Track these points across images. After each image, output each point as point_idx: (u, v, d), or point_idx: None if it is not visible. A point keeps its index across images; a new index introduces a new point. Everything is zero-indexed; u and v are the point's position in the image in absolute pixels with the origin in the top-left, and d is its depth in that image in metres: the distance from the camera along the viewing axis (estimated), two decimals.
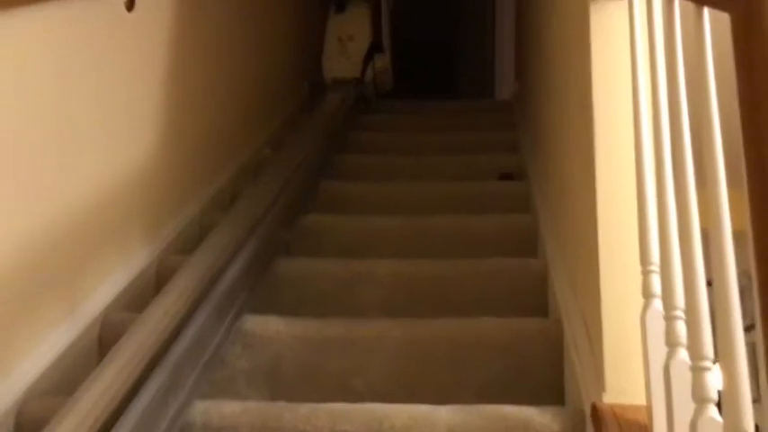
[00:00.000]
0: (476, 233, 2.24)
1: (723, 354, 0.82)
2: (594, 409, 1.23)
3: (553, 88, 2.09)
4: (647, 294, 1.15)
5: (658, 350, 1.08)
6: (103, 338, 1.60)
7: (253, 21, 2.91)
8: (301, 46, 3.78)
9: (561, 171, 1.88)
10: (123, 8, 1.71)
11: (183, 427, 1.34)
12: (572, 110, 1.65)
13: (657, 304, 1.12)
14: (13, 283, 1.38)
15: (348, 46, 3.81)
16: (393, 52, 4.16)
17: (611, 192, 1.35)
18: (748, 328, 0.97)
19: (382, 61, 3.93)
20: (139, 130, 1.90)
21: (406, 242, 2.21)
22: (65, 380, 1.45)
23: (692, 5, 0.91)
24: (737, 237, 0.86)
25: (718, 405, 0.89)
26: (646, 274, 1.15)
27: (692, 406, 0.92)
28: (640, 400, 1.15)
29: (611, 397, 1.23)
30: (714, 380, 0.92)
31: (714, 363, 0.90)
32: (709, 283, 0.91)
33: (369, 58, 3.84)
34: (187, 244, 2.04)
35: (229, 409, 1.38)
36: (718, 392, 0.89)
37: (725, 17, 0.79)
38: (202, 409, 1.38)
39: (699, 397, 0.91)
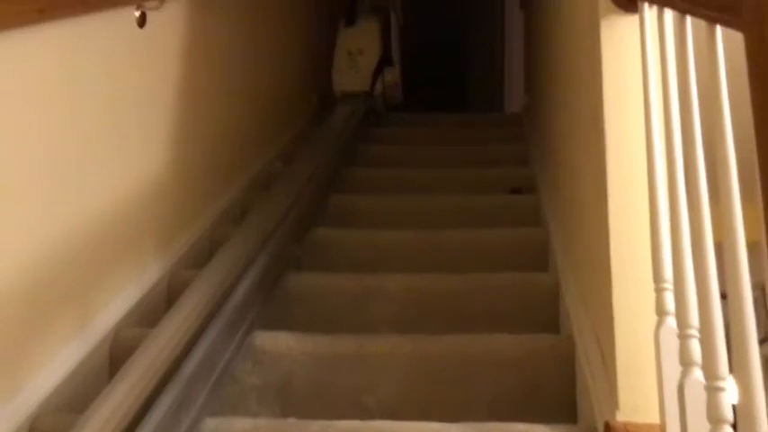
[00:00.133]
0: (486, 247, 2.23)
1: (738, 367, 0.82)
2: (608, 427, 1.22)
3: (563, 102, 2.09)
4: (660, 312, 1.14)
5: (672, 368, 1.07)
6: (115, 354, 1.60)
7: (263, 34, 2.93)
8: (311, 59, 3.79)
9: (572, 185, 1.87)
10: (135, 25, 1.73)
11: None
12: (583, 124, 1.65)
13: (671, 322, 1.11)
14: (26, 298, 1.38)
15: (358, 59, 3.81)
16: (402, 65, 4.17)
17: (623, 207, 1.34)
18: (762, 341, 0.96)
19: (392, 75, 3.93)
20: (151, 145, 1.90)
21: (416, 256, 2.21)
22: (76, 396, 1.45)
23: (704, 23, 0.91)
24: (749, 248, 0.86)
25: (734, 426, 0.88)
26: (659, 291, 1.14)
27: (706, 426, 0.91)
28: (654, 418, 1.14)
29: (624, 415, 1.22)
30: (729, 398, 0.91)
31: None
32: (722, 296, 0.91)
33: (378, 71, 3.85)
34: (198, 258, 2.05)
35: (240, 425, 1.38)
36: (734, 407, 0.89)
37: (737, 34, 0.79)
38: (213, 426, 1.37)
39: (714, 417, 0.90)
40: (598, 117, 1.40)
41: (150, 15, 1.76)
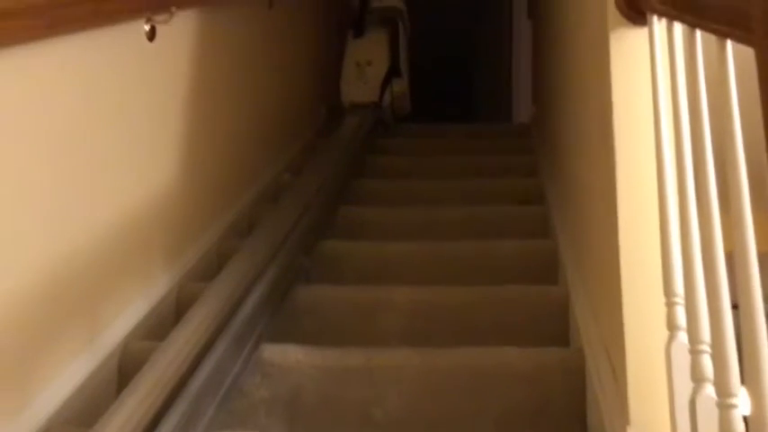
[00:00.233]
0: (495, 259, 2.23)
1: (750, 378, 0.81)
2: None
3: (572, 114, 2.08)
4: (671, 326, 1.13)
5: (684, 384, 1.06)
6: (123, 368, 1.60)
7: (272, 46, 2.93)
8: (320, 71, 3.80)
9: (581, 197, 1.87)
10: (145, 38, 1.73)
11: None
12: (592, 136, 1.64)
13: (682, 337, 1.10)
14: (35, 312, 1.38)
15: (366, 70, 3.82)
16: (410, 76, 4.17)
17: (633, 219, 1.33)
18: None
19: (400, 86, 3.94)
20: (160, 157, 1.91)
21: (425, 268, 2.20)
22: (85, 409, 1.45)
23: (714, 37, 0.91)
24: (760, 258, 0.86)
25: None
26: (670, 305, 1.14)
27: None
28: None
29: (635, 430, 1.21)
30: (741, 415, 0.90)
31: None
32: (734, 306, 0.90)
33: (387, 82, 3.85)
34: (207, 271, 2.05)
35: None
36: (745, 418, 0.88)
37: (748, 48, 0.78)
38: None
39: None
40: (607, 129, 1.39)
41: (160, 29, 1.76)
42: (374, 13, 3.94)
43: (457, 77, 6.22)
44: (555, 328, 1.85)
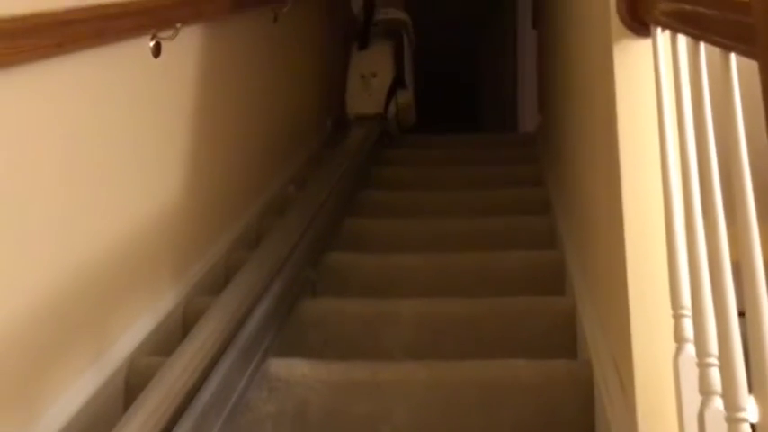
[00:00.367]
0: (502, 270, 2.22)
1: (757, 387, 0.81)
2: None
3: (577, 124, 2.08)
4: (679, 339, 1.12)
5: (692, 397, 1.05)
6: (130, 383, 1.60)
7: (278, 59, 2.95)
8: (325, 83, 3.81)
9: (587, 208, 1.86)
10: (150, 55, 1.74)
11: None
12: (597, 147, 1.64)
13: (690, 349, 1.09)
14: (43, 328, 1.39)
15: (371, 82, 3.83)
16: (415, 88, 4.18)
17: (640, 230, 1.33)
18: None
19: (405, 97, 3.95)
20: (167, 172, 1.92)
21: (431, 280, 2.20)
22: (92, 426, 1.46)
23: (718, 50, 0.91)
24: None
25: None
26: (677, 317, 1.13)
27: None
28: None
29: None
30: (749, 428, 0.90)
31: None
32: (741, 314, 0.90)
33: (391, 93, 3.86)
34: (214, 284, 2.05)
35: None
36: (753, 427, 0.87)
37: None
38: None
39: None
40: (612, 140, 1.39)
41: (165, 45, 1.77)
42: (379, 25, 3.95)
43: (462, 87, 6.23)
44: (563, 339, 1.84)
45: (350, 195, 2.83)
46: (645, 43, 1.33)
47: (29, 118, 1.33)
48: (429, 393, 1.59)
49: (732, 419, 0.89)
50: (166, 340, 1.76)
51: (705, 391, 1.01)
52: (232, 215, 2.36)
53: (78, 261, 1.49)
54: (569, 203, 2.25)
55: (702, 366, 1.02)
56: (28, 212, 1.33)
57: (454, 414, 1.57)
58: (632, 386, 1.26)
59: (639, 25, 1.32)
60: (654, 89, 1.26)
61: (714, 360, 1.00)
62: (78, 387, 1.48)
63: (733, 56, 0.88)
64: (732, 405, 0.90)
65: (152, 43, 1.73)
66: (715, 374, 1.00)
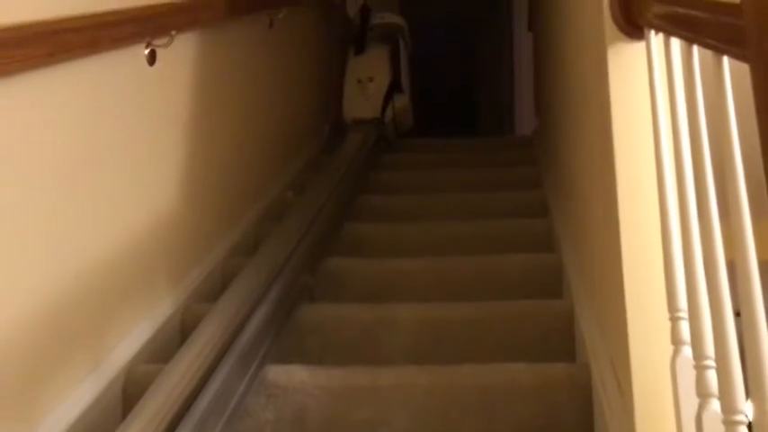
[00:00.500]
0: (500, 273, 2.22)
1: (753, 387, 0.81)
2: None
3: (572, 127, 2.08)
4: (676, 341, 1.12)
5: (689, 399, 1.05)
6: (128, 391, 1.60)
7: (274, 65, 2.95)
8: (322, 88, 3.81)
9: (583, 210, 1.86)
10: (145, 63, 1.74)
11: None
12: (592, 150, 1.64)
13: (687, 351, 1.09)
14: (40, 337, 1.39)
15: (368, 87, 3.84)
16: (412, 91, 4.18)
17: (635, 233, 1.33)
18: None
19: (401, 101, 3.95)
20: (163, 180, 1.92)
21: (430, 284, 2.20)
22: None
23: (710, 52, 0.91)
24: (762, 267, 0.86)
25: None
26: (674, 320, 1.13)
27: None
28: None
29: None
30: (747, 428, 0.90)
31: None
32: (736, 314, 0.90)
33: (388, 98, 3.86)
34: (211, 291, 2.05)
35: None
36: (749, 426, 0.87)
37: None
38: None
39: None
40: (607, 143, 1.39)
41: (160, 53, 1.77)
42: (375, 29, 3.95)
43: (459, 90, 6.23)
44: (561, 342, 1.84)
45: (348, 200, 2.83)
46: (639, 46, 1.33)
47: (21, 128, 1.33)
48: (428, 398, 1.58)
49: (729, 422, 0.89)
50: (164, 348, 1.76)
51: (702, 393, 1.01)
52: (229, 222, 2.36)
53: (74, 270, 1.49)
54: (566, 206, 2.25)
55: (699, 369, 1.02)
56: (21, 223, 1.33)
57: (454, 419, 1.57)
58: (630, 389, 1.26)
59: (633, 28, 1.32)
60: (648, 92, 1.26)
61: (711, 362, 1.00)
62: (76, 396, 1.48)
63: (725, 58, 0.88)
64: (729, 408, 0.89)
65: (147, 51, 1.73)
66: (712, 377, 0.99)
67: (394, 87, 3.90)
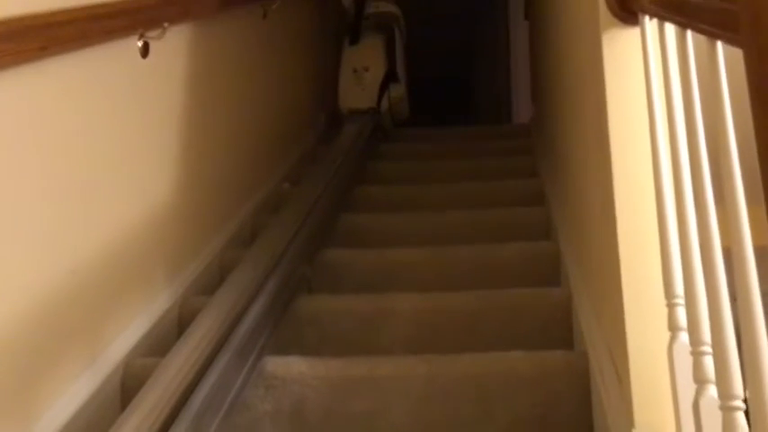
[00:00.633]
0: (498, 262, 2.22)
1: (749, 372, 0.81)
2: None
3: (568, 114, 2.08)
4: (672, 327, 1.12)
5: (687, 386, 1.05)
6: (126, 385, 1.60)
7: (269, 56, 2.94)
8: (318, 78, 3.80)
9: (580, 198, 1.86)
10: (138, 55, 1.73)
11: None
12: (588, 137, 1.64)
13: (684, 337, 1.09)
14: (36, 332, 1.38)
15: (363, 77, 3.82)
16: (408, 81, 4.17)
17: (632, 218, 1.33)
18: None
19: (397, 91, 3.94)
20: (158, 173, 1.91)
21: (428, 274, 2.20)
22: (89, 429, 1.45)
23: (704, 38, 0.90)
24: (758, 252, 0.85)
25: None
26: (671, 306, 1.13)
27: None
28: None
29: None
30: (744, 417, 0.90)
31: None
32: (734, 299, 0.90)
33: (384, 87, 3.85)
34: (209, 283, 2.05)
35: None
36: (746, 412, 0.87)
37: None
38: None
39: None
40: (602, 129, 1.39)
41: (153, 45, 1.76)
42: (370, 18, 3.93)
43: (456, 79, 6.22)
44: (560, 330, 1.84)
45: (345, 191, 2.82)
46: (633, 32, 1.32)
47: (13, 123, 1.32)
48: (427, 388, 1.58)
49: (726, 408, 0.89)
50: (162, 341, 1.76)
51: (699, 379, 1.01)
52: (226, 214, 2.36)
53: (69, 265, 1.49)
54: (563, 194, 2.25)
55: (696, 355, 1.02)
56: (14, 218, 1.32)
57: (453, 408, 1.57)
58: (627, 376, 1.26)
59: (628, 14, 1.32)
60: (643, 78, 1.25)
61: (708, 348, 1.00)
62: (74, 391, 1.48)
63: (719, 44, 0.88)
64: (726, 394, 0.89)
65: (140, 43, 1.72)
66: (709, 363, 1.00)
67: (390, 77, 3.89)
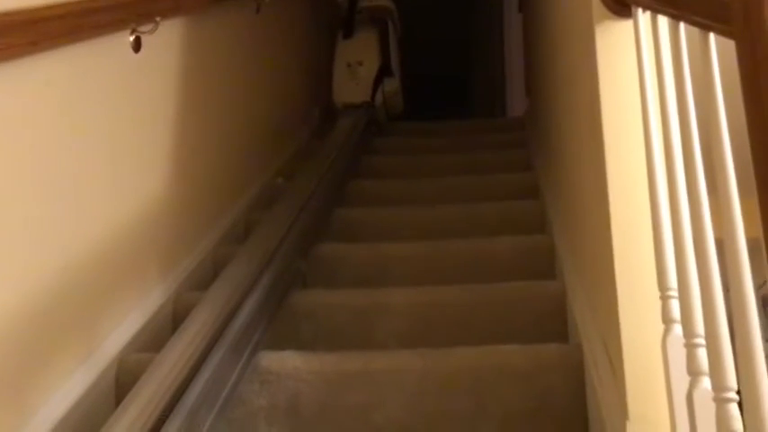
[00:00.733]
0: (493, 256, 2.22)
1: (742, 365, 0.81)
2: None
3: (562, 106, 2.08)
4: (666, 320, 1.13)
5: (681, 378, 1.06)
6: (121, 380, 1.60)
7: (261, 50, 2.93)
8: (311, 72, 3.79)
9: (574, 191, 1.86)
10: (130, 50, 1.72)
11: None
12: (581, 129, 1.64)
13: (678, 330, 1.10)
14: (30, 329, 1.38)
15: (357, 71, 3.81)
16: (402, 75, 4.16)
17: (625, 211, 1.33)
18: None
19: (391, 85, 3.93)
20: (151, 168, 1.90)
21: (422, 268, 2.19)
22: (83, 424, 1.45)
23: (697, 30, 0.90)
24: (751, 244, 0.86)
25: None
26: (664, 299, 1.13)
27: None
28: (665, 428, 1.12)
29: (634, 426, 1.21)
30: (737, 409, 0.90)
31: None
32: (726, 291, 0.90)
33: (378, 81, 3.84)
34: (203, 279, 2.04)
35: None
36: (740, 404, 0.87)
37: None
38: None
39: (724, 429, 0.89)
40: (596, 121, 1.39)
41: (145, 39, 1.76)
42: (363, 12, 3.92)
43: (450, 72, 6.21)
44: (554, 323, 1.85)
45: (339, 185, 2.82)
46: (626, 24, 1.32)
47: (3, 118, 1.31)
48: (421, 382, 1.59)
49: (720, 399, 0.90)
50: (156, 336, 1.75)
51: (693, 371, 1.01)
52: (220, 209, 2.35)
53: (61, 261, 1.48)
54: (557, 187, 2.25)
55: (690, 347, 1.02)
56: (5, 214, 1.32)
57: (448, 401, 1.57)
58: (621, 368, 1.26)
59: (621, 6, 1.32)
60: (636, 70, 1.25)
61: (701, 341, 1.00)
62: (69, 386, 1.47)
63: (712, 35, 0.88)
64: (719, 385, 0.90)
65: (132, 38, 1.71)
66: (702, 355, 1.00)
67: (384, 71, 3.88)
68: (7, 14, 1.26)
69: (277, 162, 2.97)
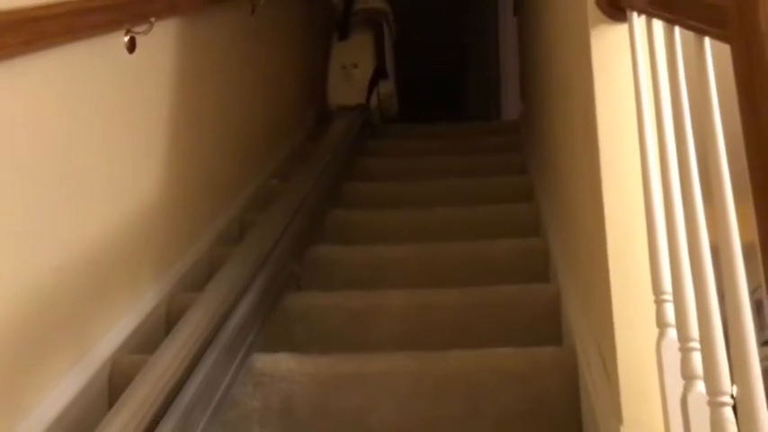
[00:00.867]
0: (488, 259, 2.22)
1: (737, 369, 0.81)
2: None
3: (557, 110, 2.08)
4: (661, 324, 1.13)
5: (675, 381, 1.06)
6: (114, 382, 1.59)
7: (256, 52, 2.92)
8: (306, 74, 3.79)
9: (569, 194, 1.86)
10: (125, 50, 1.72)
11: None
12: (576, 133, 1.64)
13: (672, 334, 1.10)
14: (23, 330, 1.37)
15: (352, 73, 3.81)
16: (397, 77, 4.16)
17: (619, 215, 1.33)
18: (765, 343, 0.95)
19: (386, 87, 3.93)
20: (145, 169, 1.90)
21: (417, 271, 2.19)
22: (76, 426, 1.45)
23: (692, 34, 0.90)
24: (746, 249, 0.86)
25: None
26: (659, 303, 1.13)
27: None
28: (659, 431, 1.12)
29: (628, 429, 1.21)
30: (731, 412, 0.90)
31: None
32: (721, 296, 0.90)
33: (373, 84, 3.84)
34: (197, 281, 2.04)
35: None
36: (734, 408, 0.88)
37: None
38: None
39: None
40: (591, 126, 1.39)
41: (140, 40, 1.75)
42: (358, 14, 3.92)
43: (445, 75, 6.22)
44: (548, 325, 1.85)
45: (334, 187, 2.82)
46: (621, 28, 1.33)
47: None
48: (417, 384, 1.58)
49: (714, 404, 0.90)
50: (150, 338, 1.75)
51: (687, 375, 1.01)
52: (214, 210, 2.35)
53: (54, 263, 1.47)
54: (552, 190, 2.25)
55: (684, 351, 1.02)
56: None
57: (442, 404, 1.57)
58: (616, 372, 1.26)
59: (616, 10, 1.32)
60: (631, 74, 1.26)
61: (696, 344, 1.00)
62: (62, 388, 1.47)
63: (707, 39, 0.88)
64: (714, 389, 0.90)
65: (126, 38, 1.71)
66: (697, 359, 1.00)
67: (379, 73, 3.88)
68: (0, 14, 1.25)
69: (272, 163, 2.96)
